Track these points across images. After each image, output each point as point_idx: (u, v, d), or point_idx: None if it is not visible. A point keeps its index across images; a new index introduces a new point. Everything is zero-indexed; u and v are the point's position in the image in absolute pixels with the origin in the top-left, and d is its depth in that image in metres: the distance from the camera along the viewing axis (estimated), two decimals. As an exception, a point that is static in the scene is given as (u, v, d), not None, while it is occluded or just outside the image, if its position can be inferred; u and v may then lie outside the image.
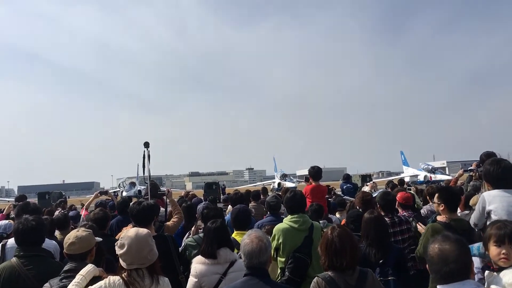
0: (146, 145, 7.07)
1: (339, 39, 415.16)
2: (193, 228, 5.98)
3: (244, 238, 3.14)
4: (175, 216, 5.64)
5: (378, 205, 5.69)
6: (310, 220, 4.89)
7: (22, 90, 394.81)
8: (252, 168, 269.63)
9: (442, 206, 4.46)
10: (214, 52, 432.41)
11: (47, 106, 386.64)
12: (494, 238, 2.91)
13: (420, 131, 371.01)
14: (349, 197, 10.26)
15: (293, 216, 4.81)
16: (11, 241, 4.44)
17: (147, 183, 7.50)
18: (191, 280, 3.81)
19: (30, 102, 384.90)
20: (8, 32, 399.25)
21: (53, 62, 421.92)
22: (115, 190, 51.54)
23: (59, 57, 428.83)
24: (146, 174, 7.10)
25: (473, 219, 4.30)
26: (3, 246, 4.56)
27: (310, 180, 8.08)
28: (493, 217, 3.91)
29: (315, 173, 7.99)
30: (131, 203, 5.86)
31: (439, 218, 4.53)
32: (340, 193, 12.89)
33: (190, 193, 14.30)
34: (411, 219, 5.73)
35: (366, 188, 10.64)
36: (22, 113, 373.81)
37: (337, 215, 8.16)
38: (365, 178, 42.92)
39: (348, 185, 12.89)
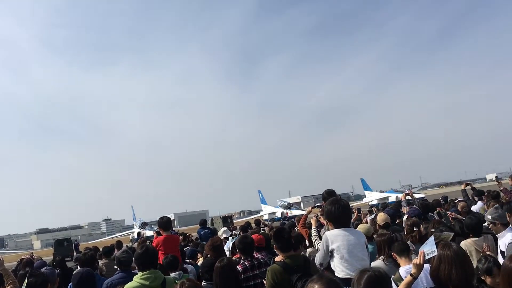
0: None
1: (192, 83, 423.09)
2: None
3: None
4: (8, 287, 4.92)
5: (237, 250, 5.75)
6: (162, 275, 4.69)
7: None
8: (110, 219, 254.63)
9: (275, 247, 4.73)
10: (61, 96, 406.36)
11: None
12: None
13: (275, 170, 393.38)
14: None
15: (144, 272, 4.56)
16: None
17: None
18: None
19: None
20: None
21: None
22: None
23: None
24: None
25: (318, 259, 4.53)
26: None
27: (161, 231, 7.87)
28: (336, 255, 4.19)
29: (164, 223, 7.85)
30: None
31: (276, 258, 4.78)
32: (198, 240, 12.82)
33: (28, 257, 12.69)
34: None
35: (222, 234, 10.72)
36: None
37: None
38: (226, 219, 43.71)
39: (205, 230, 12.90)
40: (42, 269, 5.78)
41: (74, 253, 31.95)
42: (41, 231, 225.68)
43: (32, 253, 24.80)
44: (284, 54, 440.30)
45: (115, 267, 8.05)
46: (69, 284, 5.94)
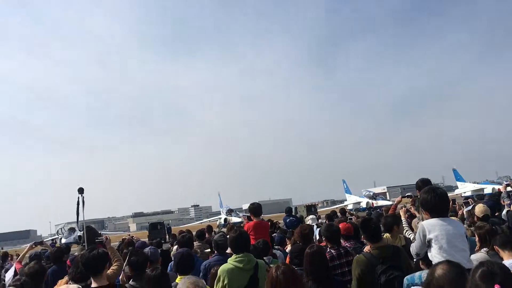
0: (80, 191, 6.88)
1: (275, 73, 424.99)
2: (121, 277, 5.68)
3: (178, 285, 3.08)
4: (115, 264, 5.39)
5: (324, 238, 5.78)
6: (254, 259, 4.86)
7: None
8: (198, 205, 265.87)
9: (363, 237, 4.66)
10: (154, 88, 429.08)
11: None
12: None
13: (360, 159, 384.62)
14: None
15: (237, 255, 4.77)
16: None
17: (83, 229, 7.23)
18: None
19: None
20: None
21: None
22: (53, 237, 48.80)
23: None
24: (81, 219, 6.87)
25: (414, 249, 4.38)
26: None
27: (251, 217, 8.10)
28: (434, 245, 4.05)
29: (255, 209, 8.04)
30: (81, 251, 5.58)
31: (365, 249, 4.73)
32: (284, 227, 12.99)
33: (129, 237, 13.72)
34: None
35: (308, 221, 10.77)
36: None
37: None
38: (310, 208, 43.72)
39: (291, 218, 13.03)
40: (146, 249, 6.25)
41: (167, 236, 33.91)
42: (137, 215, 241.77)
43: (129, 234, 26.70)
44: (370, 40, 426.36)
45: (206, 250, 8.52)
46: (169, 263, 6.38)
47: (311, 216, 12.03)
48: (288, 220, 12.80)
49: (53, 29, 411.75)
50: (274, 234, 9.90)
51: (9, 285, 5.09)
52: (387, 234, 6.14)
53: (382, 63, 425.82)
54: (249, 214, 8.45)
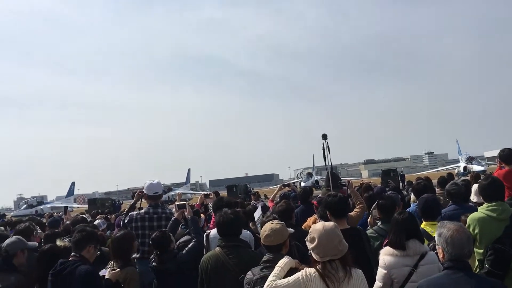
0: (324, 137, 7.29)
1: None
2: (369, 219, 5.97)
3: (441, 228, 3.00)
4: (358, 207, 5.65)
5: None
6: (510, 209, 4.39)
7: (199, 92, 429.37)
8: (432, 152, 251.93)
9: None
10: (379, 34, 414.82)
11: (218, 105, 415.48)
12: None
13: None
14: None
15: (490, 204, 4.40)
16: (213, 232, 5.01)
17: (327, 174, 7.69)
18: (381, 271, 3.78)
19: (206, 102, 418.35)
20: (186, 41, 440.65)
21: (230, 64, 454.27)
22: (293, 181, 53.79)
23: (237, 59, 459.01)
24: (327, 164, 7.32)
25: None
26: (207, 236, 5.19)
27: (502, 164, 7.15)
28: None
29: (506, 156, 7.04)
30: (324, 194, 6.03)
31: None
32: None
33: (367, 182, 14.02)
34: None
35: None
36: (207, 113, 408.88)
37: None
38: None
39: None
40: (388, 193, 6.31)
41: (400, 183, 33.52)
42: (368, 162, 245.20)
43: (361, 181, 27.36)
44: None
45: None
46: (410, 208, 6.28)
47: None
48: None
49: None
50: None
51: (261, 221, 5.83)
52: None
53: None
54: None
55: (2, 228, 7.66)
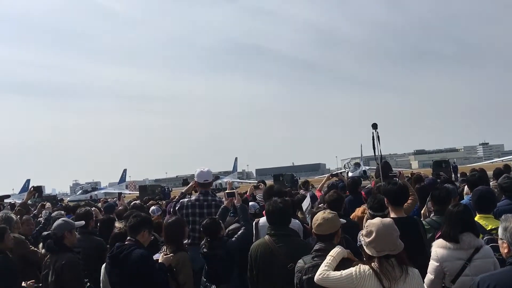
0: (374, 126, 7.16)
1: None
2: (423, 211, 5.94)
3: (505, 222, 2.88)
4: (410, 198, 5.55)
5: None
6: None
7: (248, 82, 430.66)
8: (487, 143, 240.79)
9: None
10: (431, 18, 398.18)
11: (260, 96, 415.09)
12: None
13: None
14: None
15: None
16: (262, 220, 5.08)
17: (378, 164, 7.58)
18: (432, 264, 3.71)
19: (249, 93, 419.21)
20: (232, 29, 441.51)
21: (274, 52, 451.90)
22: (341, 171, 53.14)
23: (280, 47, 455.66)
24: (377, 154, 7.21)
25: None
26: (256, 224, 5.27)
27: None
28: None
29: None
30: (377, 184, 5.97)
31: None
32: None
33: (418, 173, 13.65)
34: None
35: None
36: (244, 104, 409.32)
37: None
38: None
39: None
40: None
41: (452, 174, 32.38)
42: (418, 152, 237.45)
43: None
44: None
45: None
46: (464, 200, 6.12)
47: None
48: None
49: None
50: None
51: (309, 211, 5.84)
52: None
53: None
54: None
55: (63, 212, 8.07)
